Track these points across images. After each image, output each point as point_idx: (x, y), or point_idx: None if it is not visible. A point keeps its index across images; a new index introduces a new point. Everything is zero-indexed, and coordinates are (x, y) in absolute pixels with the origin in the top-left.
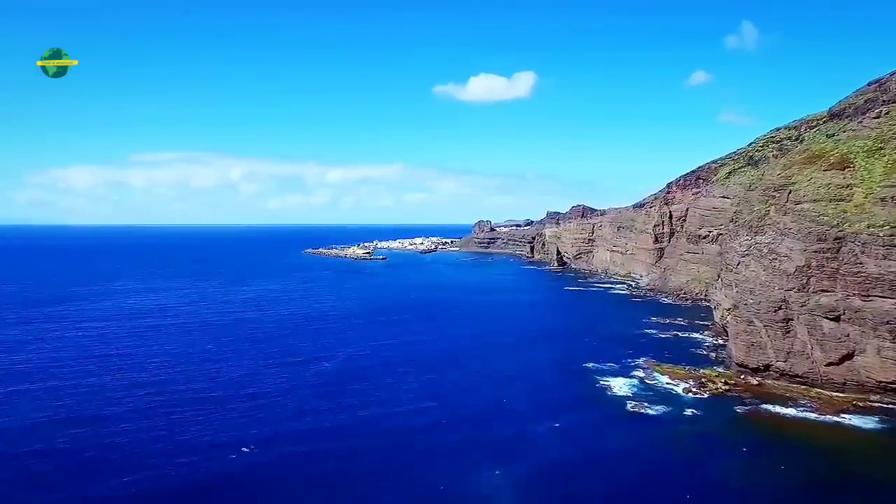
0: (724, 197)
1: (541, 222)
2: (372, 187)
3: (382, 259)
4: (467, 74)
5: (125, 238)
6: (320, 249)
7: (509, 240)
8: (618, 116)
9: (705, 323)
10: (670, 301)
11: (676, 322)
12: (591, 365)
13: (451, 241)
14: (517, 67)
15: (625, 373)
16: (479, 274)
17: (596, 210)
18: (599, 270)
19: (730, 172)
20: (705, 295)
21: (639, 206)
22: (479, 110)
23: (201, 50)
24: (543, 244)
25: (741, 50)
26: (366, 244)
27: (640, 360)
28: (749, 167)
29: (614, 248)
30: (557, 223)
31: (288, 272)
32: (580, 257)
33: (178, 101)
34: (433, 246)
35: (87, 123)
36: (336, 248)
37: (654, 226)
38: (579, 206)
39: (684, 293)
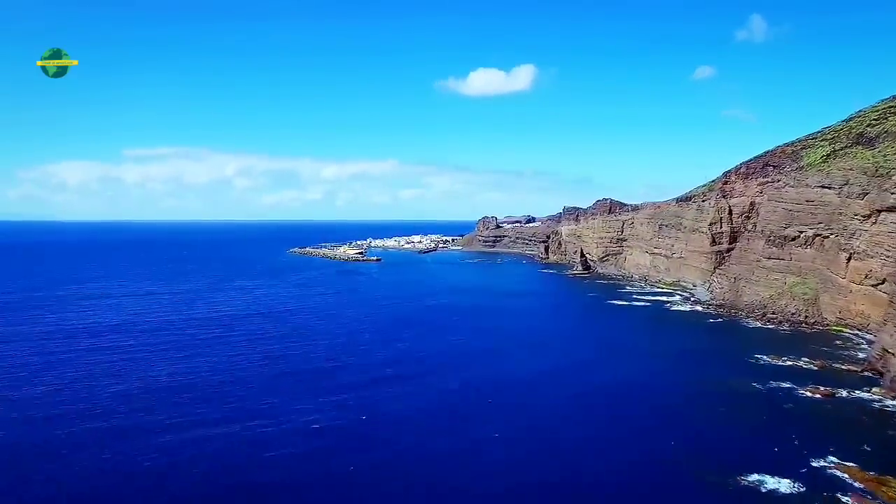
0: (824, 187)
1: (556, 218)
2: (367, 183)
3: (377, 260)
4: (467, 69)
5: (113, 234)
6: (308, 249)
7: (517, 238)
8: (616, 111)
9: (849, 367)
10: (759, 324)
11: (802, 366)
12: (746, 480)
13: (453, 240)
14: (517, 60)
15: None
16: (491, 281)
17: (626, 205)
18: (635, 276)
19: (827, 155)
20: (805, 317)
21: (684, 199)
22: (478, 104)
23: (195, 44)
24: (560, 244)
25: (747, 44)
26: (359, 243)
27: (830, 465)
28: (860, 147)
29: (655, 251)
30: (577, 219)
31: (267, 276)
32: (607, 260)
33: (172, 96)
34: (433, 245)
35: (80, 118)
36: (325, 248)
37: (711, 224)
38: (605, 200)
39: (773, 312)
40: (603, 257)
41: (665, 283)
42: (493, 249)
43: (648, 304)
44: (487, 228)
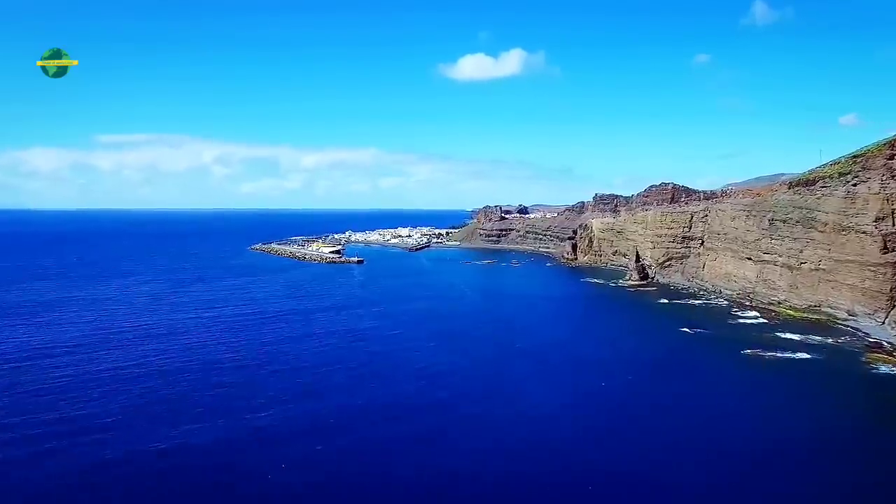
0: None
1: (577, 208)
2: (346, 171)
3: (358, 262)
4: (456, 55)
5: (74, 224)
6: (272, 245)
7: (527, 232)
8: (601, 100)
9: None
10: None
11: None
12: None
13: (447, 233)
14: (505, 45)
15: None
16: (526, 301)
17: (695, 191)
18: (724, 291)
19: None
20: None
21: (805, 182)
22: (465, 91)
23: (170, 30)
24: (591, 241)
25: (747, 31)
26: (336, 237)
27: None
28: None
29: (764, 257)
30: (615, 210)
31: (208, 284)
32: (670, 265)
33: (146, 80)
34: (424, 240)
35: (50, 102)
36: (295, 244)
37: (878, 219)
38: (665, 184)
39: None
40: (664, 262)
41: (795, 310)
42: (497, 246)
43: (817, 356)
44: (490, 220)
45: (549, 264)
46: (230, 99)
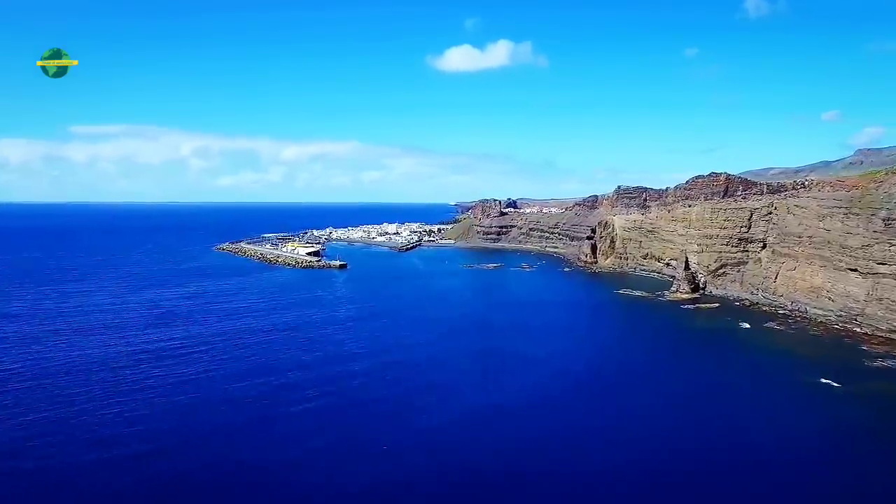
0: None
1: (588, 202)
2: (327, 164)
3: (340, 266)
4: (443, 46)
5: (45, 219)
6: (241, 245)
7: (531, 230)
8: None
9: None
10: None
11: None
12: None
13: (438, 230)
14: (492, 35)
15: None
16: (565, 327)
17: (756, 183)
18: (812, 310)
19: None
20: None
21: None
22: (451, 82)
23: (144, 17)
24: (612, 241)
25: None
26: (316, 234)
27: None
28: None
29: (878, 270)
30: (643, 205)
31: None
32: (724, 273)
33: (121, 66)
34: (414, 238)
35: (21, 92)
36: (268, 243)
37: None
38: (716, 174)
39: None
40: (717, 269)
41: None
42: (498, 245)
43: None
44: (489, 216)
45: (566, 269)
46: (209, 90)
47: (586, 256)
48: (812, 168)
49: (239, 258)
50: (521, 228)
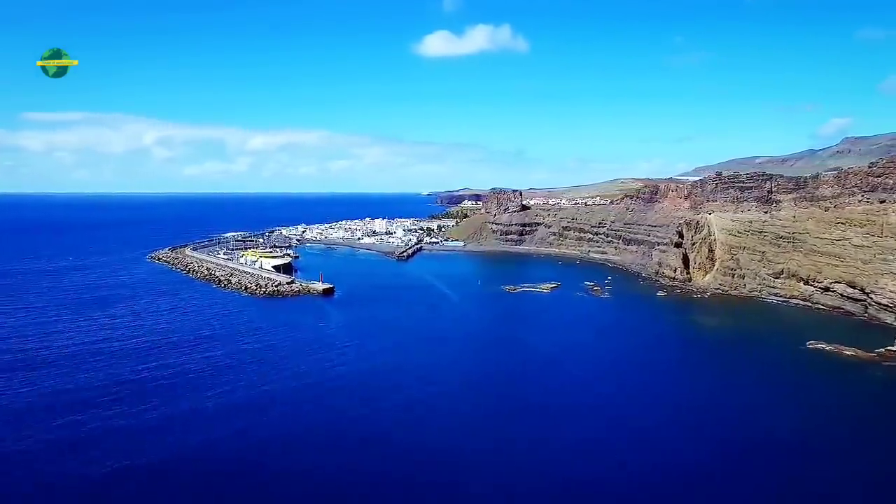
0: None
1: (646, 194)
2: (295, 154)
3: (324, 292)
4: (421, 33)
5: None
6: (186, 250)
7: (565, 228)
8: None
9: None
10: None
11: None
12: None
13: (438, 227)
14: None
15: None
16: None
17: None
18: None
19: None
20: None
21: None
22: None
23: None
24: (710, 249)
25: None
26: (287, 233)
27: None
28: None
29: None
30: (768, 199)
31: None
32: None
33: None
34: (412, 238)
35: None
36: (224, 247)
37: None
38: None
39: None
40: None
41: None
42: (522, 248)
43: None
44: (506, 210)
45: (658, 293)
46: (174, 77)
47: (675, 271)
48: (799, 156)
49: (177, 274)
50: (549, 227)
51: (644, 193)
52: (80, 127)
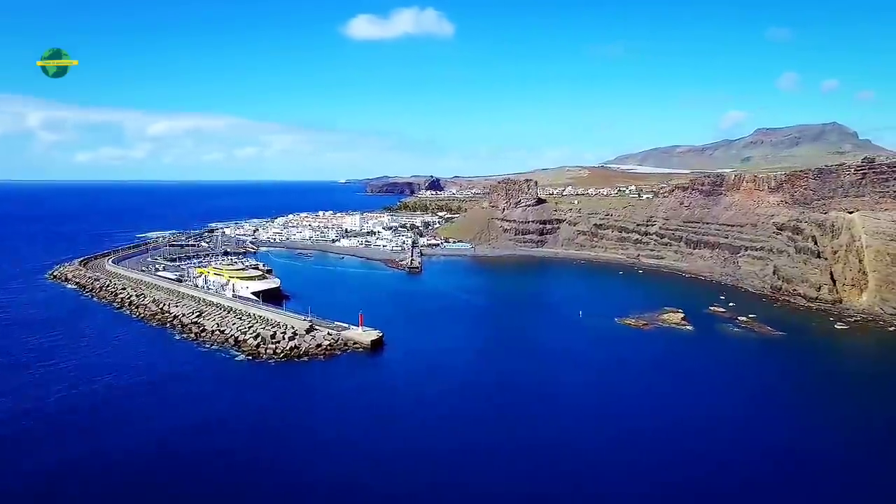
0: None
1: (705, 183)
2: (200, 140)
3: (372, 345)
4: (346, 15)
5: None
6: (105, 263)
7: (598, 227)
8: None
9: None
10: None
11: None
12: None
13: (425, 225)
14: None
15: None
16: None
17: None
18: None
19: None
20: None
21: None
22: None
23: None
24: (859, 259)
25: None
26: (228, 232)
27: None
28: None
29: None
30: None
31: None
32: None
33: None
34: (406, 242)
35: None
36: (155, 262)
37: None
38: None
39: None
40: None
41: None
42: (546, 251)
43: None
44: (520, 206)
45: (838, 325)
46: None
47: (819, 289)
48: (716, 146)
49: (99, 308)
50: (574, 224)
51: (700, 181)
52: None
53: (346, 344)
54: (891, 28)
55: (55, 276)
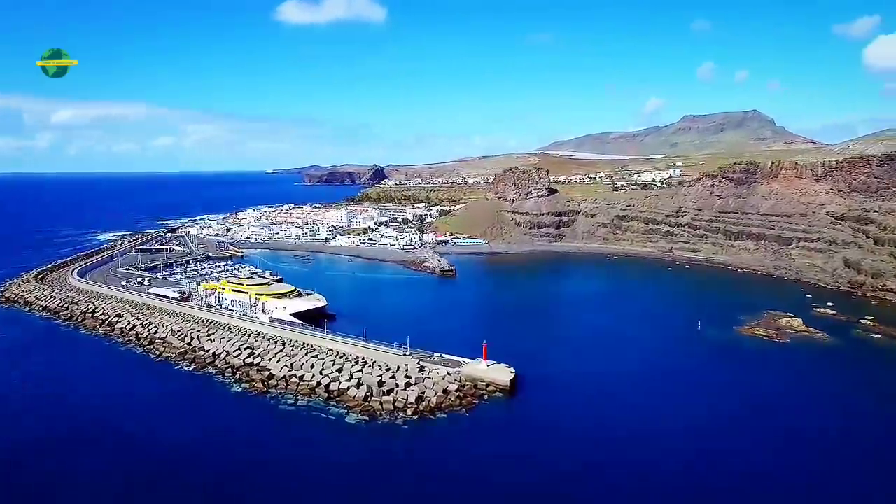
0: None
1: (739, 172)
2: (110, 129)
3: (511, 386)
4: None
5: None
6: (69, 276)
7: (620, 219)
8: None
9: None
10: None
11: None
12: None
13: (422, 219)
14: None
15: None
16: None
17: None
18: None
19: None
20: None
21: None
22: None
23: None
24: None
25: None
26: (194, 232)
27: None
28: None
29: None
30: None
31: None
32: None
33: None
34: (415, 239)
35: None
36: (131, 274)
37: None
38: None
39: None
40: None
41: None
42: (566, 245)
43: None
44: (531, 196)
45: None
46: None
47: None
48: (646, 132)
49: (94, 344)
50: (592, 216)
51: (733, 172)
52: None
53: (475, 386)
54: (792, 20)
55: (8, 300)
